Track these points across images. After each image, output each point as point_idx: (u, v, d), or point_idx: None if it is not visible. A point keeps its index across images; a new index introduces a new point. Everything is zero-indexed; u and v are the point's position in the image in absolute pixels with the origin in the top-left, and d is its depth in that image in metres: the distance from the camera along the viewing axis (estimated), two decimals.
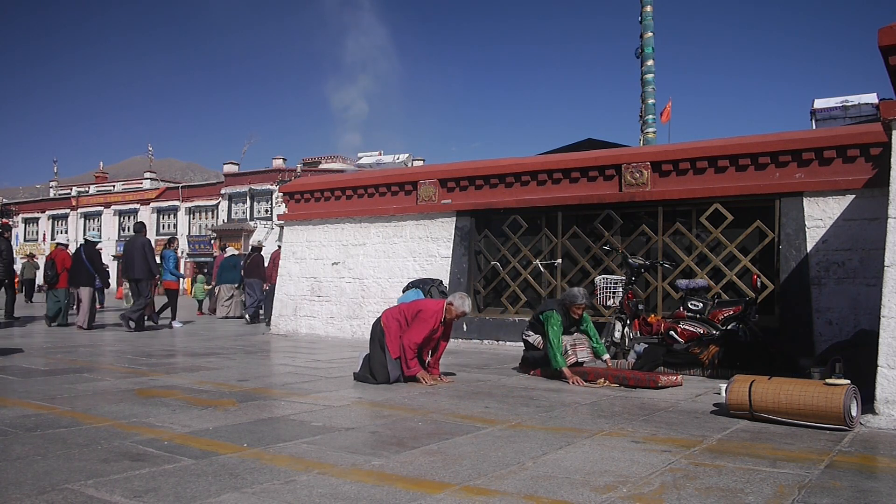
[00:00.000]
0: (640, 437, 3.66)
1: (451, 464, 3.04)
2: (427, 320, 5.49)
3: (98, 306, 12.79)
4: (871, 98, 27.96)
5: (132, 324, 10.74)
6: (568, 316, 6.07)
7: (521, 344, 8.68)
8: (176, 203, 46.22)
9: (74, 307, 11.77)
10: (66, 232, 47.95)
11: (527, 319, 8.92)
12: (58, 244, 12.52)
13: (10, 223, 12.66)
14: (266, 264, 13.58)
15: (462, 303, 5.59)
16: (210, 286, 17.49)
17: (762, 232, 7.63)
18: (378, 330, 5.67)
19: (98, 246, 11.79)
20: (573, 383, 5.60)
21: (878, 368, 4.12)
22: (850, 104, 28.58)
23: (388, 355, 5.50)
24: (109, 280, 14.72)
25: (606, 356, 6.14)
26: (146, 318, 11.28)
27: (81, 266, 11.17)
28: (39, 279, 18.69)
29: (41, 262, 16.75)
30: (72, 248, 14.82)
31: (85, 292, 11.08)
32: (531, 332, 6.32)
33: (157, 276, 11.55)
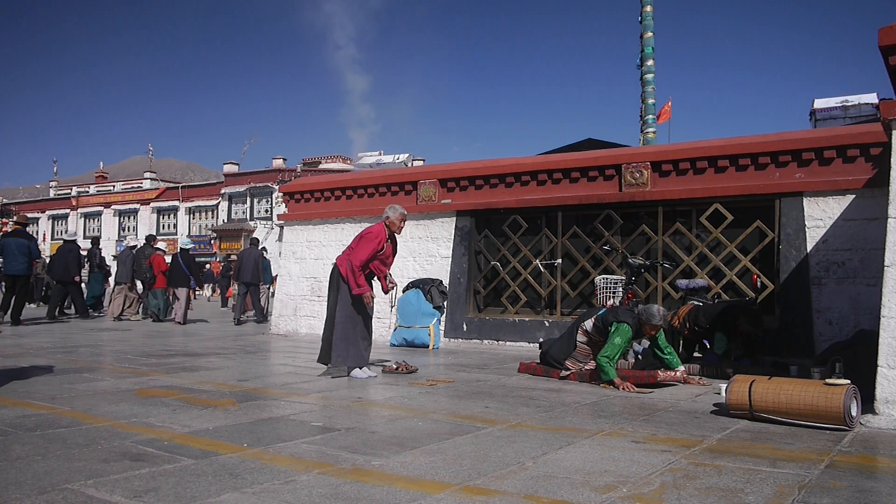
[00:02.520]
0: (641, 437, 3.66)
1: (451, 464, 3.04)
2: (371, 240, 5.66)
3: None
4: (871, 98, 27.93)
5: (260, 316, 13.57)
6: (640, 332, 5.70)
7: (523, 344, 8.72)
8: (176, 203, 46.26)
9: (173, 304, 13.42)
10: (66, 231, 48.01)
11: (527, 319, 8.94)
12: (156, 250, 14.24)
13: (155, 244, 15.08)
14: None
15: (393, 211, 5.80)
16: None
17: (762, 232, 7.63)
18: (335, 273, 5.94)
19: (190, 251, 13.74)
20: (624, 389, 5.27)
21: (878, 368, 4.12)
22: (850, 104, 28.55)
23: (342, 291, 5.76)
24: (203, 282, 16.99)
25: (681, 368, 5.74)
26: (243, 313, 13.41)
27: (179, 269, 12.90)
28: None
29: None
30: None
31: (182, 292, 12.73)
32: (586, 336, 5.92)
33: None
